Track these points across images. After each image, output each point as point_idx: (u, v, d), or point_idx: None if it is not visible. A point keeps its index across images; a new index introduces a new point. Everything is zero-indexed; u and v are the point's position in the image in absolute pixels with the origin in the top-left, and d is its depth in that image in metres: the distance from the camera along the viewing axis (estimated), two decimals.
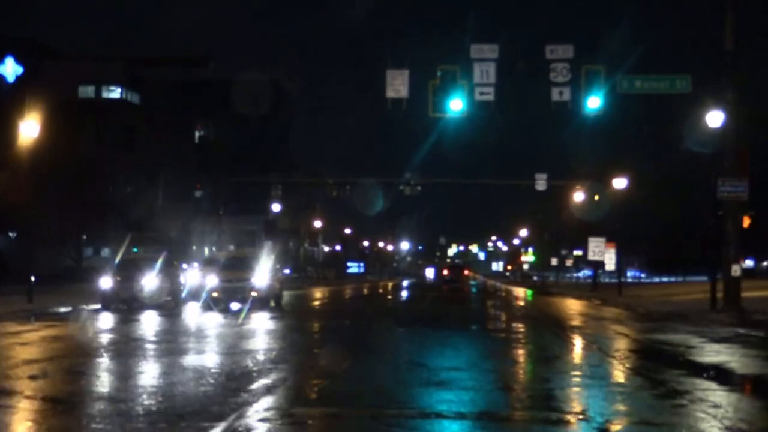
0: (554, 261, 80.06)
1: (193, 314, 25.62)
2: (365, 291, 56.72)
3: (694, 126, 25.52)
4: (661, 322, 24.36)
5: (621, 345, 17.49)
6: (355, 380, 11.66)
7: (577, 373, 12.80)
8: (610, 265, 53.04)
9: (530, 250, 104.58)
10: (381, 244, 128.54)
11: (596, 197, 50.77)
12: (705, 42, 27.54)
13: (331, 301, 39.56)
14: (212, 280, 28.43)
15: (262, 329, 20.30)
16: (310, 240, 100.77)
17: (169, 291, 28.60)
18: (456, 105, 26.42)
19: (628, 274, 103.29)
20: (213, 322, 22.07)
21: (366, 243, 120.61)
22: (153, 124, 78.69)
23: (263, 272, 28.66)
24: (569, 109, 26.61)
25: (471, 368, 12.91)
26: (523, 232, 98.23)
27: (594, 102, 26.27)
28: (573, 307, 35.84)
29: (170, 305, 28.26)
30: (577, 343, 18.12)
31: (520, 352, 16.20)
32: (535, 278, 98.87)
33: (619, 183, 41.60)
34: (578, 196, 53.99)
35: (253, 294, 27.23)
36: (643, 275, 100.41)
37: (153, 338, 18.00)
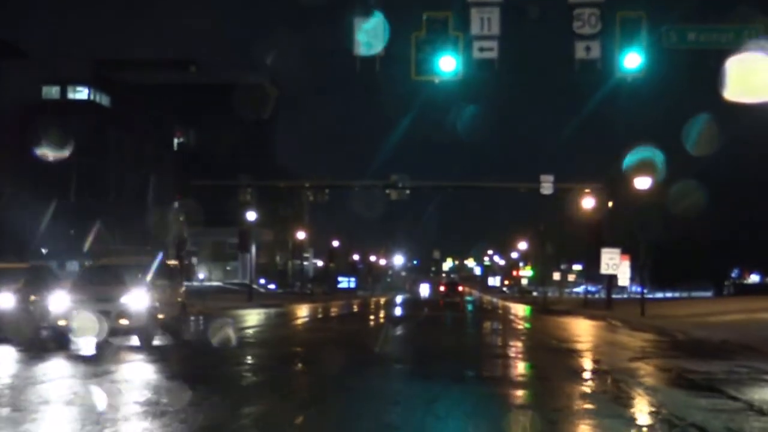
0: (556, 275, 72.87)
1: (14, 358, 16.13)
2: (351, 310, 49.56)
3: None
4: (728, 359, 17.16)
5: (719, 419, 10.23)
6: None
7: None
8: (624, 279, 46.00)
9: (527, 264, 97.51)
10: (373, 258, 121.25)
11: (609, 204, 43.70)
12: None
13: (300, 324, 32.41)
14: (59, 302, 18.09)
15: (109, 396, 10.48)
16: (294, 253, 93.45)
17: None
18: (447, 64, 19.21)
19: (629, 289, 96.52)
20: (23, 379, 12.77)
21: (356, 257, 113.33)
22: (125, 128, 71.71)
23: (142, 289, 18.45)
24: (598, 70, 19.47)
25: None
26: (523, 245, 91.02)
27: (632, 60, 19.14)
28: (591, 331, 28.71)
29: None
30: (642, 408, 10.84)
31: None
32: (535, 294, 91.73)
33: (642, 183, 34.45)
34: (588, 202, 46.85)
35: (122, 323, 17.78)
36: (645, 291, 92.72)
37: None
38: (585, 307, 49.06)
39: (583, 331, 28.76)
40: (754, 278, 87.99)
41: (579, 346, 20.78)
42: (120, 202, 71.42)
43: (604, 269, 42.82)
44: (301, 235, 76.66)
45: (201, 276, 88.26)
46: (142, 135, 72.87)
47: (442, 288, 74.54)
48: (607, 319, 35.36)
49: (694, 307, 42.97)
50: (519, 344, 21.22)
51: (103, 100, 71.93)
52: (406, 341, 21.56)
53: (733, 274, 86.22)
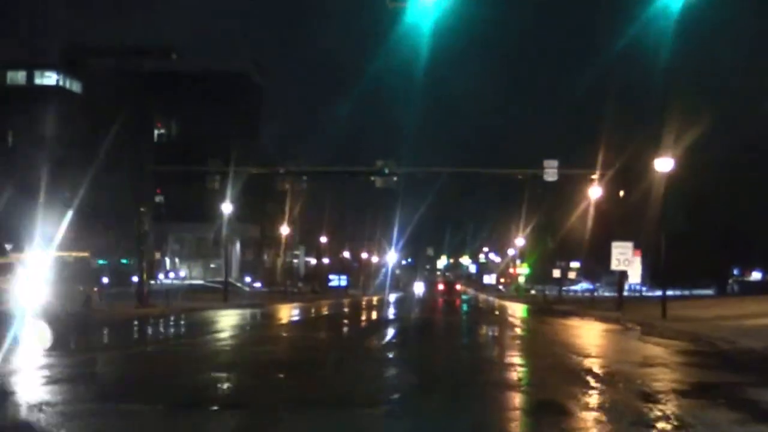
0: (556, 272, 67.75)
1: None
2: (334, 311, 44.48)
3: None
4: None
5: None
6: None
7: None
8: (635, 276, 40.92)
9: (524, 261, 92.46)
10: (365, 255, 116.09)
11: (621, 193, 38.65)
12: None
13: (263, 330, 27.27)
14: None
15: None
16: (283, 251, 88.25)
17: None
18: None
19: (631, 287, 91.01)
20: None
21: (347, 254, 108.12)
22: (98, 117, 66.52)
23: None
24: None
25: None
26: (520, 241, 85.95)
27: None
28: (611, 340, 23.64)
29: None
30: None
31: None
32: (533, 292, 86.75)
33: (664, 165, 29.32)
34: (595, 191, 41.74)
35: None
36: (644, 288, 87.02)
37: None
38: (592, 307, 43.98)
39: (601, 339, 23.69)
40: (755, 276, 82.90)
41: (605, 363, 15.65)
42: (92, 196, 66.30)
43: (615, 265, 37.77)
44: (285, 230, 71.36)
45: (182, 273, 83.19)
46: (118, 125, 67.72)
47: (441, 287, 76.92)
48: (621, 322, 30.32)
49: (715, 307, 37.88)
50: (529, 362, 16.08)
51: (74, 86, 66.83)
52: (384, 360, 16.44)
53: (734, 271, 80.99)
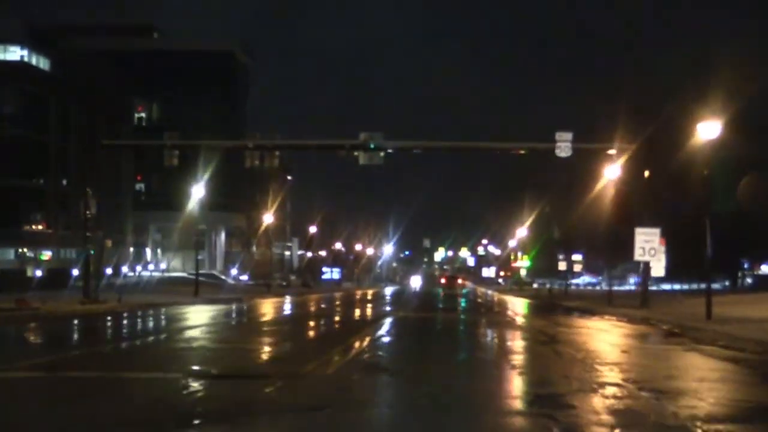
0: (562, 265, 61.93)
1: None
2: (320, 307, 38.82)
3: None
4: None
5: None
6: None
7: None
8: (658, 269, 35.02)
9: (526, 253, 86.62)
10: (359, 247, 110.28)
11: (646, 173, 32.87)
12: None
13: (216, 332, 21.44)
14: None
15: None
16: (271, 242, 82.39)
17: None
18: None
19: (632, 281, 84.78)
20: None
21: (339, 245, 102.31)
22: (70, 98, 60.70)
23: None
24: None
25: None
26: (522, 231, 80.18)
27: None
28: (652, 351, 17.83)
29: None
30: None
31: None
32: (535, 286, 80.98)
33: (710, 130, 23.46)
34: (612, 171, 35.87)
35: None
36: (650, 281, 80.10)
37: None
38: (603, 304, 38.18)
39: (644, 351, 17.81)
40: (765, 269, 76.93)
41: (691, 404, 9.87)
42: (60, 181, 60.56)
43: (639, 255, 31.96)
44: (268, 218, 65.53)
45: (162, 266, 77.41)
46: (93, 106, 61.69)
47: (443, 280, 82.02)
48: (657, 324, 24.49)
49: (753, 305, 32.04)
50: (571, 399, 10.21)
51: (42, 63, 60.94)
52: (356, 384, 10.74)
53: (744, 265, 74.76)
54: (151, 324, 24.99)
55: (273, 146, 33.96)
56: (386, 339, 18.97)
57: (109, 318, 26.53)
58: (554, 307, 41.08)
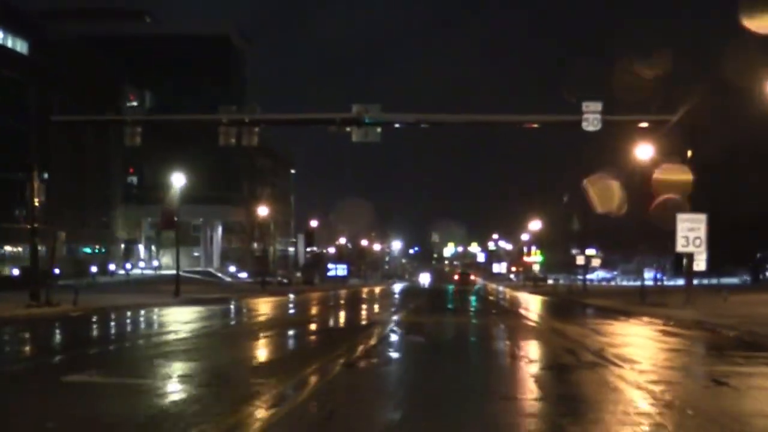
0: (580, 259, 56.73)
1: None
2: (320, 308, 33.88)
3: None
4: None
5: None
6: None
7: None
8: (700, 262, 29.83)
9: (537, 249, 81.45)
10: (365, 242, 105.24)
11: (689, 153, 27.77)
12: None
13: (177, 341, 16.40)
14: None
15: None
16: (274, 237, 77.39)
17: None
18: None
19: (647, 276, 78.48)
20: None
21: (343, 240, 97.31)
22: (52, 84, 55.77)
23: None
24: None
25: None
26: (536, 224, 74.99)
27: None
28: (751, 378, 12.50)
29: None
30: None
31: None
32: (549, 282, 75.68)
33: None
34: (645, 150, 30.70)
35: None
36: (663, 277, 73.77)
37: None
38: (632, 303, 32.99)
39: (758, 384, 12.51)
40: None
41: None
42: (41, 173, 55.57)
43: (682, 245, 26.98)
44: (263, 210, 60.52)
45: (155, 263, 72.53)
46: (80, 94, 56.68)
47: (456, 277, 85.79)
48: (717, 330, 19.31)
49: None
50: None
51: (19, 46, 56.12)
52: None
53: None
54: (68, 337, 19.86)
55: (254, 121, 28.82)
56: (396, 348, 13.95)
57: (38, 327, 21.55)
58: (578, 307, 36.02)
